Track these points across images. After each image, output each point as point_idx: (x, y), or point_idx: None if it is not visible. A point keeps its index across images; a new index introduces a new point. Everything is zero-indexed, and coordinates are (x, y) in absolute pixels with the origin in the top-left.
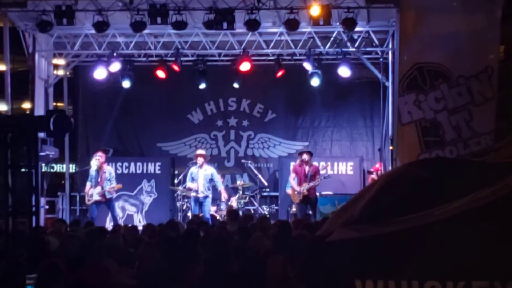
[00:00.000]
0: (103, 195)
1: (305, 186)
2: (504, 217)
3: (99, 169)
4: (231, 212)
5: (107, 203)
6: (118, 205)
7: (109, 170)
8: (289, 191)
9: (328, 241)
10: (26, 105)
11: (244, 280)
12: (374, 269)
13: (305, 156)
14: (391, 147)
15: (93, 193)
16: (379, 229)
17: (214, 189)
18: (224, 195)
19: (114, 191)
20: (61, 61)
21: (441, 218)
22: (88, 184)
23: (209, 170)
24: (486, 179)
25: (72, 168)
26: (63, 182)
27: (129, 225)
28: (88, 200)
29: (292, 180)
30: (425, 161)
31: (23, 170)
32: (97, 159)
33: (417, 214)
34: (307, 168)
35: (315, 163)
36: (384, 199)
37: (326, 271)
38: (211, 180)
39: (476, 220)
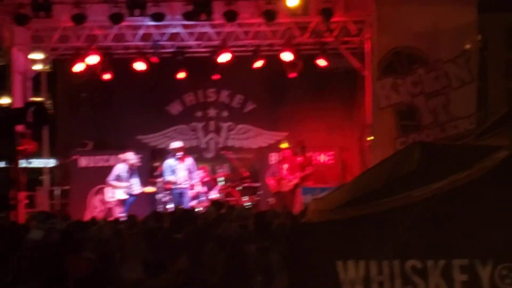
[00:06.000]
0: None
1: (298, 175)
2: (481, 197)
3: (130, 170)
4: (215, 203)
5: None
6: (98, 198)
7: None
8: (271, 181)
9: (308, 223)
10: (5, 100)
11: (224, 268)
12: (355, 250)
13: (299, 148)
14: (369, 138)
15: (117, 191)
16: (359, 211)
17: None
18: (198, 188)
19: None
20: (39, 55)
21: (420, 200)
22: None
23: (188, 161)
24: (465, 162)
25: (51, 162)
26: (41, 177)
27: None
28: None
29: (283, 169)
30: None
31: (1, 165)
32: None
33: (397, 197)
34: (300, 159)
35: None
36: (366, 185)
37: (308, 253)
38: (190, 172)
39: (454, 201)
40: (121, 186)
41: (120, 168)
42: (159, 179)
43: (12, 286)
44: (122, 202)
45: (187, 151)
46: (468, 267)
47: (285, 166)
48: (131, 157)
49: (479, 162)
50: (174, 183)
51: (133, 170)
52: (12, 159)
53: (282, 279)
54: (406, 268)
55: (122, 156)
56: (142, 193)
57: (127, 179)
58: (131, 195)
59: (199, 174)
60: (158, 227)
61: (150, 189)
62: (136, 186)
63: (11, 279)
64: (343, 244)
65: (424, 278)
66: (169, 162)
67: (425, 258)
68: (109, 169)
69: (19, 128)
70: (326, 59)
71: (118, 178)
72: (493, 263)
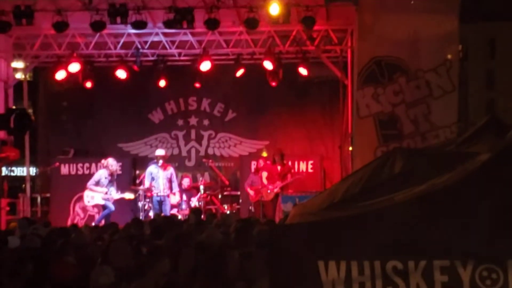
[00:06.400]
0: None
1: (278, 184)
2: (463, 199)
3: (110, 176)
4: (195, 211)
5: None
6: (79, 205)
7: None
8: (250, 190)
9: (289, 225)
10: None
11: (205, 274)
12: (336, 251)
13: (278, 156)
14: (350, 148)
15: (95, 196)
16: (340, 213)
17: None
18: (176, 199)
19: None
20: (20, 64)
21: (402, 201)
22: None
23: (169, 170)
24: (446, 166)
25: (32, 171)
26: (23, 186)
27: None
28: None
29: (263, 178)
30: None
31: None
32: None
33: (378, 199)
34: (279, 167)
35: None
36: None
37: (289, 255)
38: (170, 180)
39: (435, 202)
40: (99, 191)
41: (101, 174)
42: (140, 187)
43: None
44: (101, 208)
45: (168, 160)
46: (448, 268)
47: (264, 174)
48: (112, 163)
49: (461, 165)
50: (153, 190)
51: (112, 177)
52: None
53: (263, 283)
54: (387, 269)
55: (103, 161)
56: (123, 200)
57: (107, 185)
58: (108, 200)
59: (186, 182)
60: (139, 234)
61: (129, 195)
62: (113, 192)
63: None
64: (324, 245)
65: (405, 279)
66: (150, 169)
67: (406, 259)
68: (90, 176)
69: (1, 135)
70: (308, 67)
71: (98, 183)
72: (473, 264)
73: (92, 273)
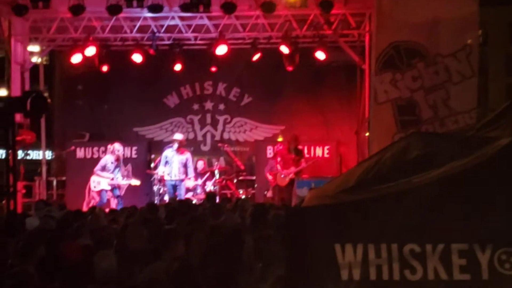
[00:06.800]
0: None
1: (292, 170)
2: (481, 182)
3: (115, 161)
4: (210, 195)
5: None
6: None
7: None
8: (269, 175)
9: (305, 208)
10: (2, 92)
11: (220, 257)
12: (353, 234)
13: (292, 141)
14: (367, 133)
15: (101, 181)
16: (357, 196)
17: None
18: (191, 183)
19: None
20: (36, 47)
21: (420, 185)
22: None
23: (185, 155)
24: (465, 150)
25: (48, 154)
26: (39, 169)
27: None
28: (95, 187)
29: (276, 164)
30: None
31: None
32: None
33: (395, 182)
34: (293, 152)
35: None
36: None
37: (305, 238)
38: (185, 165)
39: (454, 186)
40: (106, 177)
41: (107, 159)
42: (156, 171)
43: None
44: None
45: (185, 144)
46: (467, 252)
47: (279, 160)
48: (118, 148)
49: (480, 149)
50: (167, 174)
51: (118, 162)
52: (11, 149)
53: (279, 266)
54: (404, 252)
55: (109, 146)
56: (135, 186)
57: (113, 171)
58: (114, 186)
59: (200, 165)
60: (154, 217)
61: (135, 181)
62: (120, 178)
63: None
64: (341, 228)
65: (423, 262)
66: (166, 153)
67: (424, 242)
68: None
69: (18, 118)
70: (325, 51)
71: (104, 168)
72: (492, 247)
73: (94, 258)
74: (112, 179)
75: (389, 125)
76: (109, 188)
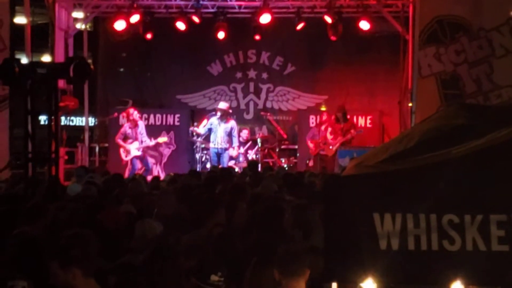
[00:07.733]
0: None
1: (340, 140)
2: None
3: (133, 126)
4: (252, 163)
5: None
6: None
7: (141, 125)
8: (310, 143)
9: (345, 176)
10: (46, 58)
11: (260, 225)
12: (393, 203)
13: (340, 113)
14: (410, 104)
15: (130, 148)
16: (397, 166)
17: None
18: (235, 152)
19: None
20: (80, 14)
21: (460, 156)
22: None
23: (230, 124)
24: (506, 121)
25: (91, 121)
26: (82, 135)
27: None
28: (126, 156)
29: (327, 133)
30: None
31: (42, 121)
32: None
33: (436, 153)
34: (341, 121)
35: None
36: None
37: (344, 206)
38: (230, 134)
39: (494, 157)
40: (131, 144)
41: (125, 127)
42: (198, 139)
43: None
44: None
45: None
46: (505, 223)
47: (329, 129)
48: (132, 112)
49: None
50: (211, 142)
51: (136, 127)
52: (53, 115)
53: (318, 234)
54: (443, 222)
55: (123, 114)
56: (180, 153)
57: (134, 136)
58: (143, 148)
59: (244, 134)
60: (195, 184)
61: (162, 139)
62: (147, 139)
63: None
64: (380, 197)
65: (461, 233)
66: (212, 120)
67: (463, 213)
68: (148, 127)
69: (61, 84)
70: (369, 21)
71: (126, 136)
72: None
73: (136, 225)
74: (142, 141)
75: (433, 99)
76: (139, 153)
